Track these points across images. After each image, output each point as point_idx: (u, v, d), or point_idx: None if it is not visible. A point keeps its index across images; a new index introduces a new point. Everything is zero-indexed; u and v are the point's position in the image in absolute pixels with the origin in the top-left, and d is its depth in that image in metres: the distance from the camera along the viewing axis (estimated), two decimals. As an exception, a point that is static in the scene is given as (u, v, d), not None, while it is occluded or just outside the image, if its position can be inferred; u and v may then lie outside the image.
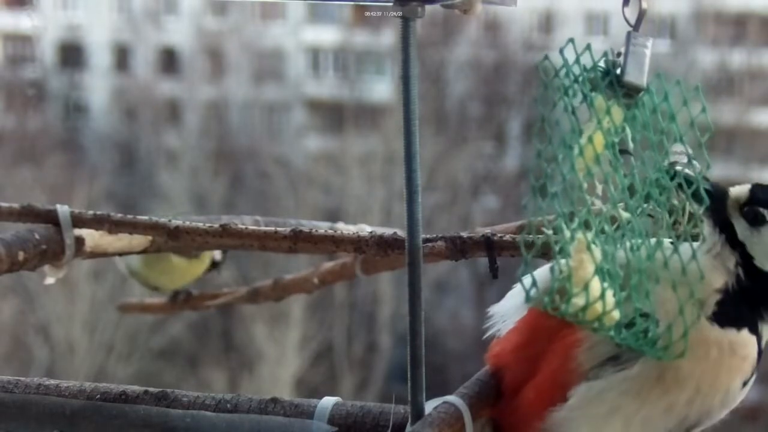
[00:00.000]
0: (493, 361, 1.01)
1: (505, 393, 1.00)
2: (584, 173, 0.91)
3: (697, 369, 0.93)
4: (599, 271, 0.90)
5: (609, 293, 0.89)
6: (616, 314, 0.89)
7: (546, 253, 0.91)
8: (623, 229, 0.92)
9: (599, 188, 0.93)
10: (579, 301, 0.88)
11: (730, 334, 0.94)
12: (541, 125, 0.91)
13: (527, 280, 0.89)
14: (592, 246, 0.90)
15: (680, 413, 0.95)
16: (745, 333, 0.95)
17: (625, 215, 0.93)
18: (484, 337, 1.04)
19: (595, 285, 0.89)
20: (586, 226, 0.91)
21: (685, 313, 0.90)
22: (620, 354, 0.94)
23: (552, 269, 0.90)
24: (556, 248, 0.90)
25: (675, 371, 0.93)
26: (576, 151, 0.91)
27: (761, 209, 0.95)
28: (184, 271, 1.82)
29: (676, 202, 0.95)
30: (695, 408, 0.95)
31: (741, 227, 0.95)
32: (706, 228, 0.97)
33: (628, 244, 0.92)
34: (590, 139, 0.92)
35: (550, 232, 0.90)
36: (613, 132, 0.94)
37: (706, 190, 0.92)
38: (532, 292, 0.89)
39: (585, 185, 0.92)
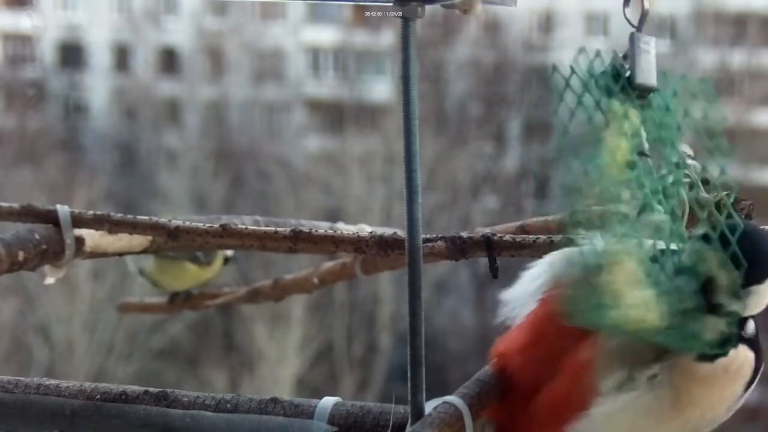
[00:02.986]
0: (498, 360, 1.01)
1: (514, 399, 1.00)
2: (613, 180, 0.92)
3: (709, 392, 0.94)
4: (638, 270, 0.90)
5: (649, 292, 0.90)
6: (657, 312, 0.89)
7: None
8: (656, 232, 0.92)
9: (628, 193, 0.93)
10: (622, 302, 0.89)
11: (731, 355, 0.95)
12: (563, 137, 0.91)
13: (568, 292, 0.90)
14: (629, 250, 0.90)
15: (692, 427, 0.96)
16: (740, 346, 0.95)
17: (657, 217, 0.93)
18: (495, 322, 1.04)
19: (636, 284, 0.90)
20: (619, 231, 0.91)
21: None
22: (634, 374, 0.94)
23: (590, 275, 0.90)
24: (593, 258, 0.90)
25: (689, 397, 0.94)
26: (602, 159, 0.91)
27: (749, 288, 0.94)
28: (197, 276, 1.83)
29: (704, 194, 0.94)
30: (706, 419, 0.96)
31: (730, 304, 0.95)
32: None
33: (662, 245, 0.92)
34: (613, 145, 0.92)
35: (586, 241, 0.90)
36: (633, 135, 0.94)
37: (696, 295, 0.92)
38: (571, 300, 0.89)
39: (615, 191, 0.92)
